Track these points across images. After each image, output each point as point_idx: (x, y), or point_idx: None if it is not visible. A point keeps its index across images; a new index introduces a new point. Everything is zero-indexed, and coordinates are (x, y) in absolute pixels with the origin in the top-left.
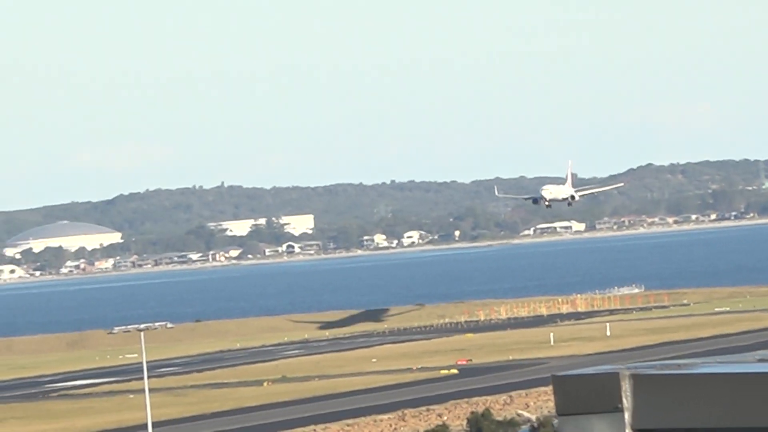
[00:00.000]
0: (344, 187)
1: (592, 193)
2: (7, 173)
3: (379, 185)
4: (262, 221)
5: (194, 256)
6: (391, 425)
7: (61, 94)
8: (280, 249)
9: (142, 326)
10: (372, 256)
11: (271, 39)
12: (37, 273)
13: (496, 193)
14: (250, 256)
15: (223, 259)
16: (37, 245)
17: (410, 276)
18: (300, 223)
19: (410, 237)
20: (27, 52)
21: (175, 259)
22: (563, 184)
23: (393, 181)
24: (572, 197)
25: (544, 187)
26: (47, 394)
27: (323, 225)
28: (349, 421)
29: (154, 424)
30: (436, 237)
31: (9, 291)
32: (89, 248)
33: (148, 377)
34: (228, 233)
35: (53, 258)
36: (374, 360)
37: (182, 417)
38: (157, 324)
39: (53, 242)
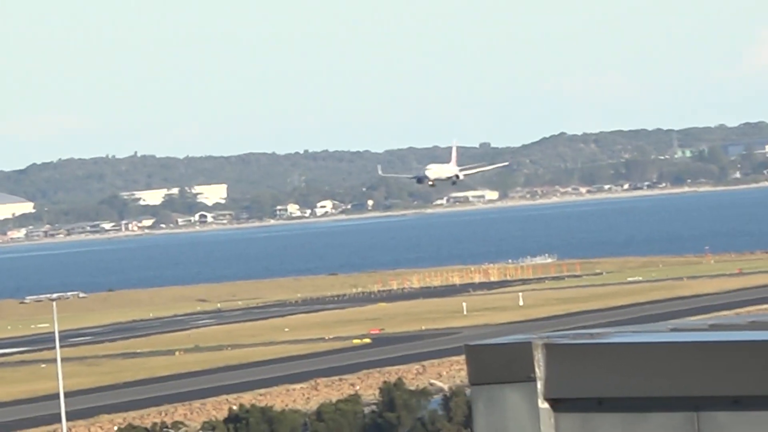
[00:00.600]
0: (257, 157)
1: (478, 172)
2: None
3: (293, 155)
4: (175, 191)
5: (107, 226)
6: (303, 395)
7: None
8: (192, 219)
9: (55, 296)
10: (285, 225)
11: (185, 7)
12: None
13: (380, 172)
14: (163, 225)
15: (136, 228)
16: None
17: (323, 245)
18: (213, 193)
19: (323, 207)
20: None
21: (88, 228)
22: (448, 162)
23: (306, 151)
24: (457, 176)
25: (427, 167)
26: None
27: (236, 194)
28: (262, 391)
29: (66, 394)
30: (349, 207)
31: None
32: (1, 218)
33: (61, 347)
34: (141, 203)
35: None
36: (287, 329)
37: (95, 386)
38: (69, 293)
39: None
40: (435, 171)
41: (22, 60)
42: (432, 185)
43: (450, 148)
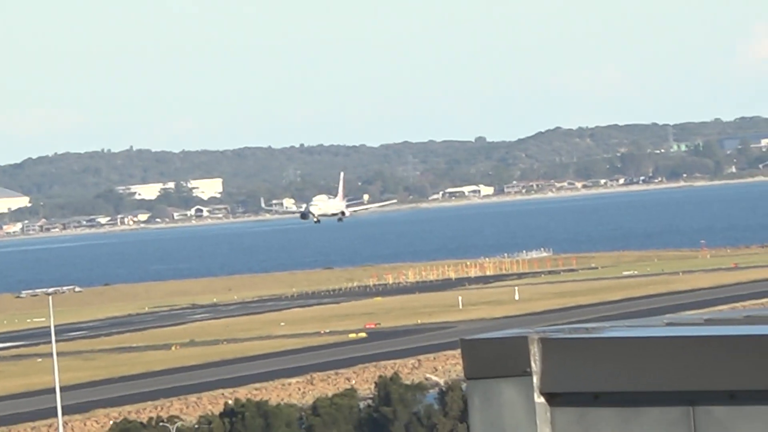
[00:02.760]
0: (253, 151)
1: (365, 209)
2: None
3: (288, 149)
4: (171, 185)
5: (103, 220)
6: (299, 389)
7: None
8: (188, 213)
9: (51, 290)
10: (281, 220)
11: (180, 4)
12: None
13: (262, 204)
14: (158, 220)
15: (131, 223)
16: None
17: (318, 240)
18: (209, 187)
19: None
20: None
21: (84, 223)
22: (335, 196)
23: (302, 145)
24: (343, 213)
25: (312, 202)
26: None
27: (232, 189)
28: (258, 385)
29: (62, 388)
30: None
31: None
32: None
33: (57, 341)
34: (137, 197)
35: None
36: (283, 324)
37: (91, 381)
38: (65, 288)
39: None
40: (320, 207)
41: (18, 55)
42: (317, 222)
43: (338, 187)
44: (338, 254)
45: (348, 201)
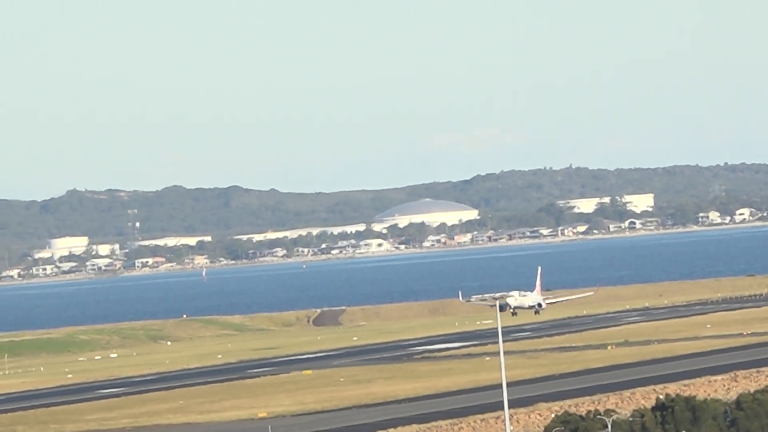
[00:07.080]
0: (681, 169)
1: (562, 301)
2: (376, 155)
3: (714, 167)
4: (607, 200)
5: (545, 231)
6: (724, 385)
7: (423, 84)
8: (622, 225)
9: (497, 295)
10: (707, 231)
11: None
12: (402, 246)
13: (460, 298)
14: (595, 231)
15: (571, 234)
16: (402, 221)
17: (742, 250)
18: (641, 202)
19: (742, 214)
20: (394, 50)
21: (527, 233)
22: (532, 290)
23: (726, 163)
24: (539, 305)
25: (509, 294)
26: (411, 356)
27: (662, 203)
28: (686, 382)
29: (508, 384)
30: (765, 214)
31: (377, 263)
32: (449, 224)
33: (503, 341)
34: (575, 210)
35: (416, 232)
36: (709, 326)
37: (534, 377)
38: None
39: (416, 218)
40: (516, 299)
41: (469, 81)
42: (514, 314)
43: (535, 280)
44: (761, 262)
45: (546, 298)
